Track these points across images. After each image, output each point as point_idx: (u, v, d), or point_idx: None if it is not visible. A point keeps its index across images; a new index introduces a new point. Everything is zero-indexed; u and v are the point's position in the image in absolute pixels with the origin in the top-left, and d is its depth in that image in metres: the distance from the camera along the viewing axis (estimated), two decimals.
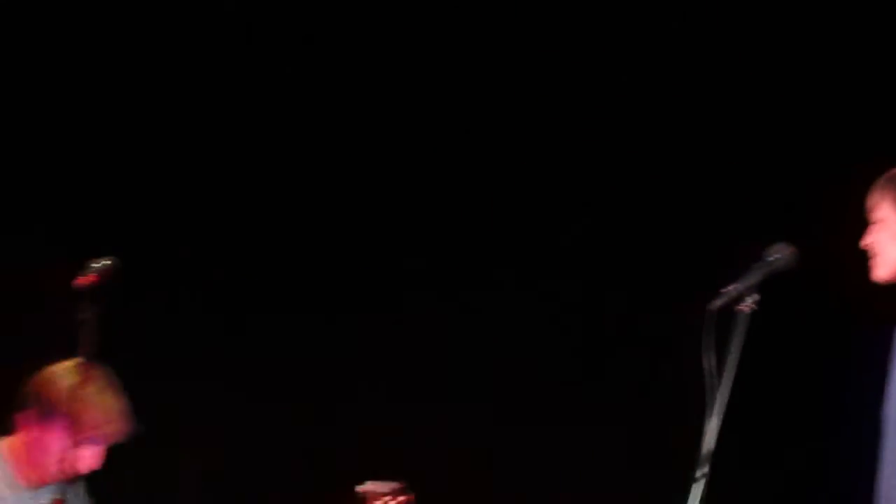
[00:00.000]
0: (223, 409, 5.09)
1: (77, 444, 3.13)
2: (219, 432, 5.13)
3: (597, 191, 5.26)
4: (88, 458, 3.38)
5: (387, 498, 3.79)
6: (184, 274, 5.22)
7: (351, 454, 4.95)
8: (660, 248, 5.17)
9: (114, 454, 3.46)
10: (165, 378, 4.85)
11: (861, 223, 3.01)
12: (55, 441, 3.34)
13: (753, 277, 2.97)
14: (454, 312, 5.23)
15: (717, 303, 2.92)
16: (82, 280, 2.99)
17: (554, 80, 5.25)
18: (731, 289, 2.96)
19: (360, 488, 3.65)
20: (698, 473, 2.86)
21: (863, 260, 3.02)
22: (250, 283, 5.29)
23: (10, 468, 3.48)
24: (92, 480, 3.51)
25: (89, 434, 3.33)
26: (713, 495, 2.83)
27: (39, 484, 3.45)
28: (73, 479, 3.26)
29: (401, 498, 3.86)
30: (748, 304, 2.95)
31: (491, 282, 5.28)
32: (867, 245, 3.02)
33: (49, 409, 3.37)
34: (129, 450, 3.46)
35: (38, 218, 5.10)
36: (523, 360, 5.22)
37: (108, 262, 3.07)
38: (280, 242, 5.32)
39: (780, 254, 3.01)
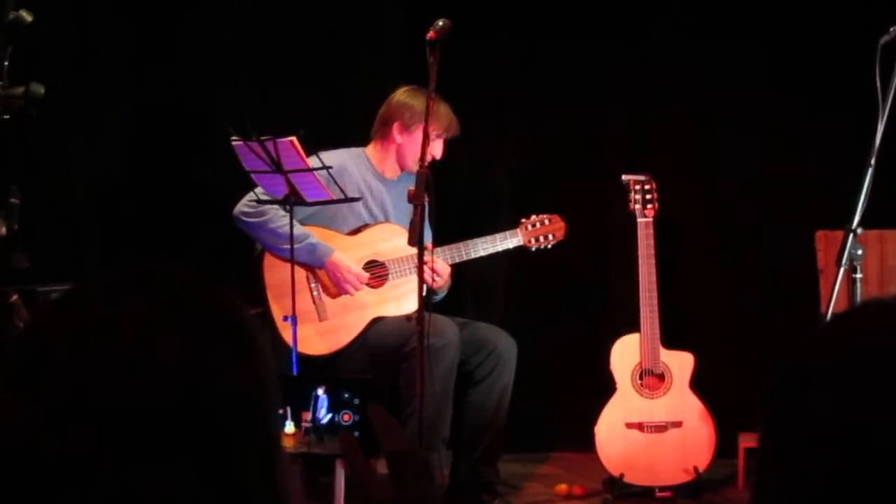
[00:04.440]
0: None
1: (431, 141, 4.38)
2: None
3: None
4: (438, 150, 4.85)
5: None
6: None
7: None
8: None
9: None
10: None
11: None
12: (416, 141, 4.76)
13: None
14: None
15: (886, 38, 3.74)
16: (430, 34, 4.09)
17: None
18: None
19: None
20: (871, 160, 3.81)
21: None
22: None
23: (376, 165, 5.03)
24: None
25: (440, 133, 4.82)
26: None
27: (398, 174, 4.99)
28: (419, 171, 4.32)
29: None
30: None
31: None
32: None
33: (411, 121, 4.86)
34: None
35: None
36: None
37: (445, 21, 4.12)
38: None
39: None
